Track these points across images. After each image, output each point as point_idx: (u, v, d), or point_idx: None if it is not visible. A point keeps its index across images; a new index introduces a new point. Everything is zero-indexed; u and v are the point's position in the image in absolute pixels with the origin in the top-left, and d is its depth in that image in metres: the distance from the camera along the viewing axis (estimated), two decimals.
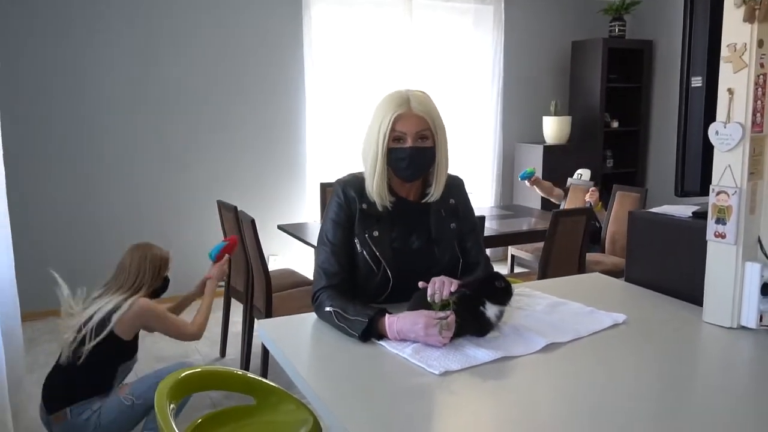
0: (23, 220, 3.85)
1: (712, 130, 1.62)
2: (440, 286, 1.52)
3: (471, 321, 1.51)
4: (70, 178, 4.37)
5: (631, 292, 1.98)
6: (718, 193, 1.62)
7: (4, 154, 2.47)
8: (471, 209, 1.92)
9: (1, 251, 1.96)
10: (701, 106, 1.81)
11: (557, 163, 5.49)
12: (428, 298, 1.52)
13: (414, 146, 1.69)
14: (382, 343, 1.51)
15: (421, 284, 1.58)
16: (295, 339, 1.62)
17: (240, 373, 1.73)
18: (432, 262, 1.78)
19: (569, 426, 1.16)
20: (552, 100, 5.74)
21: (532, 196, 5.58)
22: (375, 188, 1.73)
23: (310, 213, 4.90)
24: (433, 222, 1.81)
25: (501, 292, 1.54)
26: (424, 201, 1.80)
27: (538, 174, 4.87)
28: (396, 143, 1.70)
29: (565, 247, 3.36)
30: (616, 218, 4.22)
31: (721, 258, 1.64)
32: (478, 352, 1.43)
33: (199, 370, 1.63)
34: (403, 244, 1.78)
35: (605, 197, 4.44)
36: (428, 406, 1.26)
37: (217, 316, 4.18)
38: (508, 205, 5.18)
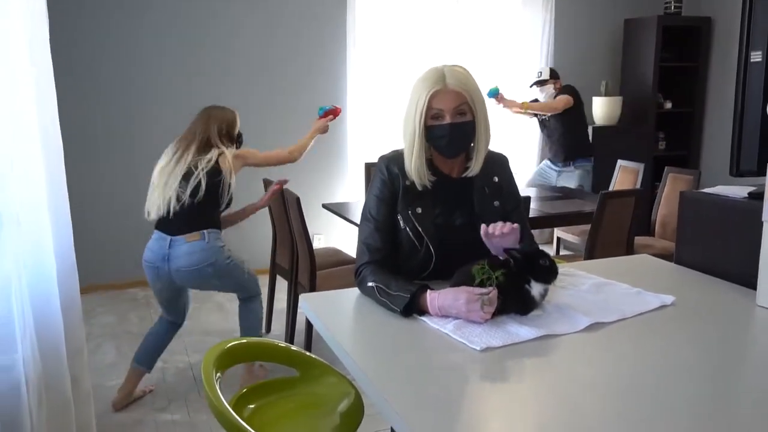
0: (79, 198, 3.99)
1: None
2: (501, 227, 1.56)
3: (515, 298, 1.49)
4: (124, 155, 4.50)
5: (680, 274, 1.93)
6: None
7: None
8: (515, 187, 1.90)
9: (60, 225, 2.03)
10: (761, 82, 1.74)
11: (607, 145, 5.35)
12: (482, 237, 1.56)
13: (453, 122, 1.68)
14: (423, 318, 1.51)
15: (483, 228, 1.61)
16: (337, 313, 1.64)
17: (283, 345, 1.76)
18: (475, 239, 1.77)
19: (611, 407, 1.14)
20: (602, 80, 5.58)
21: None
22: (413, 167, 1.72)
23: (353, 192, 4.93)
24: (476, 199, 1.80)
25: (545, 270, 1.52)
26: (464, 176, 1.79)
27: None
28: (434, 121, 1.69)
29: (613, 229, 3.29)
30: (667, 201, 4.10)
31: None
32: (520, 330, 1.42)
33: (245, 341, 1.67)
34: (446, 220, 1.78)
35: (653, 179, 4.35)
36: (469, 382, 1.26)
37: (262, 292, 4.27)
38: (556, 187, 5.09)
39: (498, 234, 1.58)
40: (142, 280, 4.59)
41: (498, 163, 1.84)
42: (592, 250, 3.24)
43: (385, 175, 1.77)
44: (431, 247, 1.73)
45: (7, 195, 1.81)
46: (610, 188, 4.49)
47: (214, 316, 4.03)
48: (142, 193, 4.64)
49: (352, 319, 1.64)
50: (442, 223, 1.77)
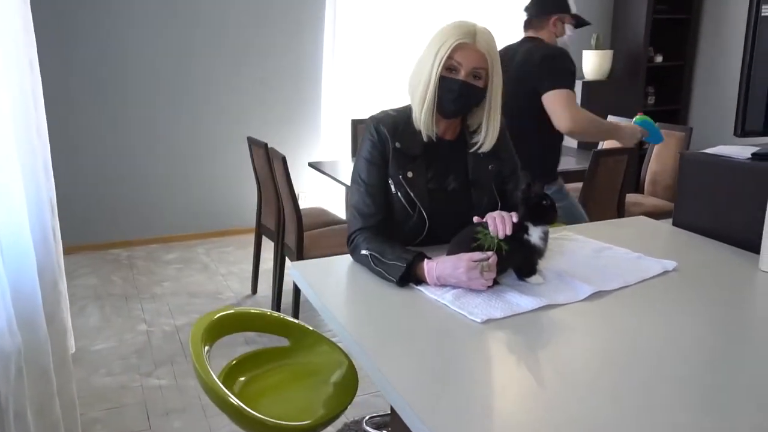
0: (58, 156, 3.86)
1: None
2: (501, 221, 1.43)
3: (517, 251, 1.43)
4: (104, 118, 4.34)
5: (680, 237, 1.89)
6: None
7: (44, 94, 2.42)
8: (512, 151, 1.82)
9: (36, 191, 1.94)
10: None
11: (597, 100, 5.27)
12: (491, 234, 1.42)
13: (465, 81, 1.59)
14: (420, 288, 1.45)
15: (476, 219, 1.51)
16: (329, 282, 1.58)
17: (276, 315, 1.70)
18: (469, 204, 1.71)
19: (615, 377, 1.10)
20: (593, 33, 5.46)
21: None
22: (422, 117, 1.63)
23: (338, 150, 4.82)
24: (470, 163, 1.72)
25: (545, 211, 1.44)
26: (471, 151, 1.71)
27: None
28: (448, 72, 1.60)
29: (605, 188, 3.24)
30: (658, 157, 4.06)
31: None
32: (521, 300, 1.37)
33: (233, 311, 1.60)
34: (439, 185, 1.70)
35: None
36: (468, 353, 1.21)
37: (248, 252, 4.21)
38: None
39: (501, 233, 1.44)
40: (124, 240, 4.53)
41: None
42: (584, 209, 3.20)
43: (375, 136, 1.68)
44: (424, 213, 1.66)
45: None
46: (601, 144, 4.42)
47: (199, 276, 3.96)
48: (123, 150, 4.52)
49: (345, 288, 1.58)
50: (434, 187, 1.69)
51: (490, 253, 1.39)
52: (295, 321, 1.72)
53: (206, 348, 1.43)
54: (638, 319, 1.34)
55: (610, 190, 3.29)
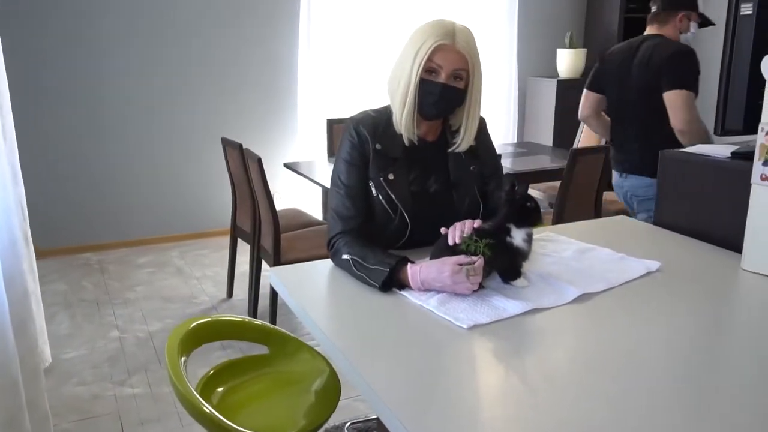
0: (28, 159, 3.75)
1: (765, 63, 1.48)
2: (461, 227, 1.43)
3: (501, 254, 1.41)
4: (75, 118, 4.22)
5: (661, 237, 1.88)
6: None
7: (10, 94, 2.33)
8: (493, 150, 1.80)
9: (8, 191, 1.86)
10: (750, 36, 1.67)
11: (571, 98, 5.29)
12: (450, 243, 1.42)
13: (446, 83, 1.56)
14: (404, 293, 1.42)
15: (443, 230, 1.48)
16: (310, 288, 1.54)
17: (255, 322, 1.65)
18: (451, 206, 1.68)
19: (604, 381, 1.08)
20: (567, 31, 5.48)
21: (544, 133, 5.43)
22: (403, 121, 1.60)
23: (314, 151, 4.76)
24: (451, 164, 1.69)
25: (528, 213, 1.42)
26: (450, 150, 1.68)
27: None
28: (428, 75, 1.56)
29: (583, 186, 3.25)
30: None
31: (766, 202, 1.53)
32: (507, 304, 1.34)
33: (210, 319, 1.55)
34: (421, 187, 1.67)
35: None
36: (454, 359, 1.18)
37: (223, 255, 4.13)
38: (520, 143, 5.03)
39: (458, 238, 1.44)
40: (95, 244, 4.41)
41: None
42: (562, 207, 3.20)
43: (354, 137, 1.65)
44: (406, 216, 1.63)
45: None
46: (576, 143, 4.44)
47: (173, 280, 3.88)
48: (94, 151, 4.40)
49: (326, 294, 1.53)
50: (416, 189, 1.66)
51: (476, 257, 1.36)
52: (275, 328, 1.67)
53: (183, 359, 1.38)
54: (625, 322, 1.32)
55: (587, 188, 3.30)
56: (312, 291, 1.52)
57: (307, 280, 1.58)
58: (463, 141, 1.66)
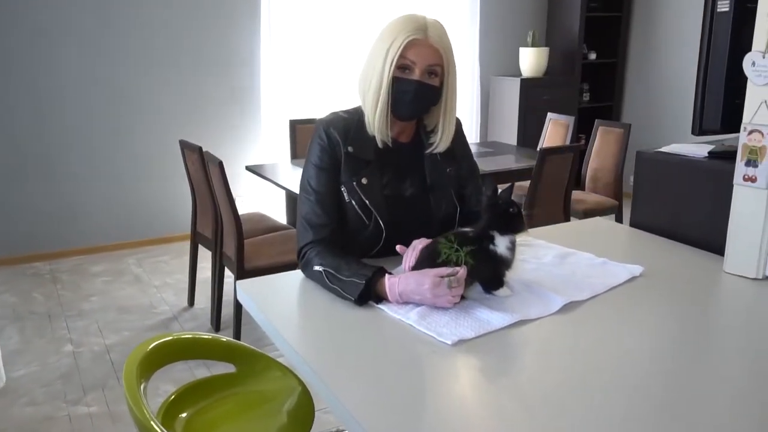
0: None
1: (747, 60, 1.44)
2: (414, 254, 1.39)
3: (483, 263, 1.33)
4: (24, 118, 4.00)
5: (639, 240, 1.84)
6: (750, 132, 1.46)
7: None
8: (470, 152, 1.73)
9: None
10: (727, 34, 1.63)
11: (534, 97, 5.30)
12: (404, 268, 1.39)
13: (420, 80, 1.48)
14: (382, 306, 1.33)
15: (399, 248, 1.45)
16: (279, 302, 1.44)
17: (220, 339, 1.54)
18: (428, 211, 1.61)
19: (596, 396, 1.01)
20: (529, 29, 5.48)
21: (508, 133, 5.41)
22: (376, 122, 1.52)
23: (277, 153, 4.64)
24: (428, 166, 1.62)
25: (512, 219, 1.34)
26: (428, 152, 1.60)
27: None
28: (400, 72, 1.48)
29: (552, 186, 3.22)
30: (598, 154, 4.09)
31: (749, 204, 1.49)
32: (492, 316, 1.27)
33: (171, 338, 1.43)
34: (396, 191, 1.59)
35: (578, 132, 4.21)
36: (438, 378, 1.10)
37: (183, 261, 3.98)
38: (485, 142, 5.00)
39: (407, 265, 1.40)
40: (46, 252, 4.19)
41: None
42: (531, 207, 3.17)
43: (324, 140, 1.55)
44: (380, 222, 1.55)
45: None
46: (541, 142, 4.43)
47: (130, 289, 3.71)
48: (42, 154, 4.17)
49: (297, 309, 1.44)
50: (391, 194, 1.58)
51: (458, 268, 1.29)
52: (242, 344, 1.56)
53: (142, 384, 1.26)
54: (613, 331, 1.27)
55: (557, 188, 3.28)
56: (282, 306, 1.43)
57: (277, 293, 1.48)
58: (441, 141, 1.58)
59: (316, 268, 1.43)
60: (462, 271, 1.29)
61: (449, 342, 1.18)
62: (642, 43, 5.65)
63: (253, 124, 4.67)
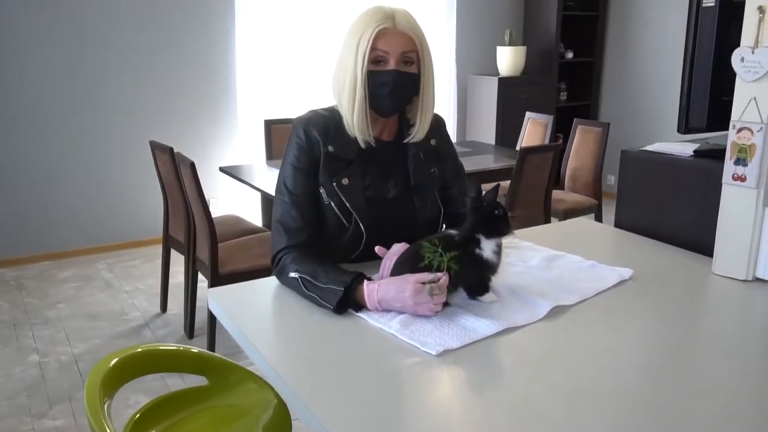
0: None
1: (736, 56, 1.40)
2: (390, 263, 1.33)
3: (468, 268, 1.26)
4: None
5: (626, 241, 1.80)
6: (739, 130, 1.42)
7: None
8: (454, 151, 1.67)
9: None
10: (713, 29, 1.59)
11: (512, 96, 5.27)
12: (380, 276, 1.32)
13: (397, 69, 1.41)
14: (361, 315, 1.26)
15: (378, 249, 1.38)
16: (253, 311, 1.36)
17: (191, 351, 1.46)
18: (411, 213, 1.54)
19: (588, 406, 0.96)
20: (506, 29, 5.45)
21: (486, 132, 5.38)
22: (356, 122, 1.44)
23: (253, 153, 4.54)
24: (411, 166, 1.55)
25: (498, 221, 1.28)
26: (405, 141, 1.53)
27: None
28: (375, 66, 1.41)
29: (533, 185, 3.18)
30: (577, 153, 4.07)
31: (738, 203, 1.45)
32: (477, 324, 1.21)
33: (139, 351, 1.35)
34: (378, 192, 1.52)
35: (556, 131, 4.19)
36: (422, 391, 1.04)
37: (155, 266, 3.86)
38: (463, 142, 4.96)
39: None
40: (10, 258, 4.04)
41: (435, 125, 1.59)
42: (512, 207, 3.12)
43: (302, 139, 1.48)
44: (361, 225, 1.48)
45: None
46: (520, 141, 4.40)
47: (100, 295, 3.59)
48: (7, 154, 4.01)
49: (272, 318, 1.36)
50: (372, 195, 1.51)
51: (440, 274, 1.22)
52: (215, 356, 1.48)
53: (106, 401, 1.18)
54: (603, 336, 1.22)
55: (537, 188, 3.24)
56: (256, 315, 1.35)
57: (251, 302, 1.40)
58: (418, 131, 1.52)
59: (292, 274, 1.35)
60: (444, 278, 1.22)
61: (433, 352, 1.11)
62: (618, 42, 5.66)
63: (228, 125, 4.57)
